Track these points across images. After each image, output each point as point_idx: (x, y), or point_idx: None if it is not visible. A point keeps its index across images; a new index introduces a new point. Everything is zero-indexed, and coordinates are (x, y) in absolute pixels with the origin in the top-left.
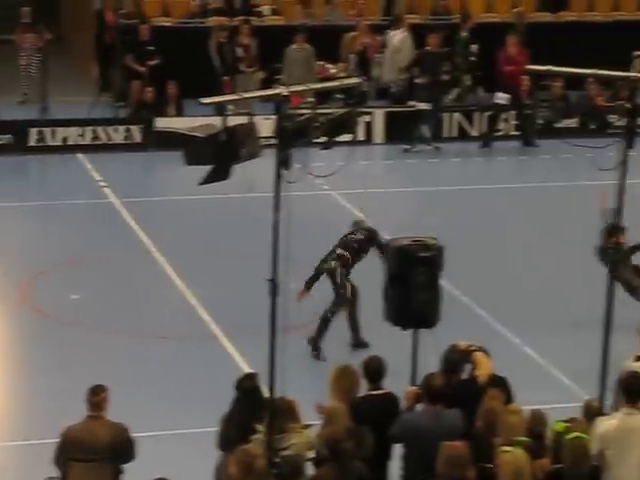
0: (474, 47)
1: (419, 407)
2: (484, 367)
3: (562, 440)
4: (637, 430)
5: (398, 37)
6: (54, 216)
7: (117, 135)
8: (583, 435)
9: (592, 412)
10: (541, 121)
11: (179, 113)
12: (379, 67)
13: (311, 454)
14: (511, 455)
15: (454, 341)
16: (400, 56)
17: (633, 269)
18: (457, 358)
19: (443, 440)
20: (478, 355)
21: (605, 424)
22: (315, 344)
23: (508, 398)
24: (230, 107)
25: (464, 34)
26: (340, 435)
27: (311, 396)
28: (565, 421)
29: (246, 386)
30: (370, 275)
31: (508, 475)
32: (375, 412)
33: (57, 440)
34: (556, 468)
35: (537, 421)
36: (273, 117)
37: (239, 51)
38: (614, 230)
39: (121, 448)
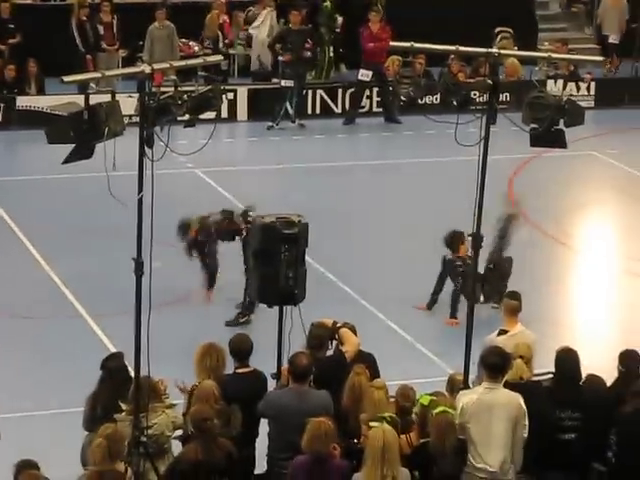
0: (339, 19)
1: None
2: (350, 343)
3: (428, 414)
4: (497, 405)
5: (261, 14)
6: None
7: None
8: (448, 409)
9: (456, 386)
10: (404, 97)
11: (40, 91)
12: (241, 45)
13: (176, 433)
14: (378, 430)
15: (320, 318)
16: (262, 34)
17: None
18: (322, 334)
19: (304, 419)
20: (344, 331)
21: (465, 398)
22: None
23: (375, 374)
24: (92, 85)
25: (327, 4)
26: (206, 412)
27: (177, 375)
28: (430, 394)
29: (111, 366)
30: (234, 252)
31: (375, 450)
32: (242, 390)
33: None
34: (422, 443)
35: (404, 397)
36: (136, 95)
37: (100, 29)
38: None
39: None
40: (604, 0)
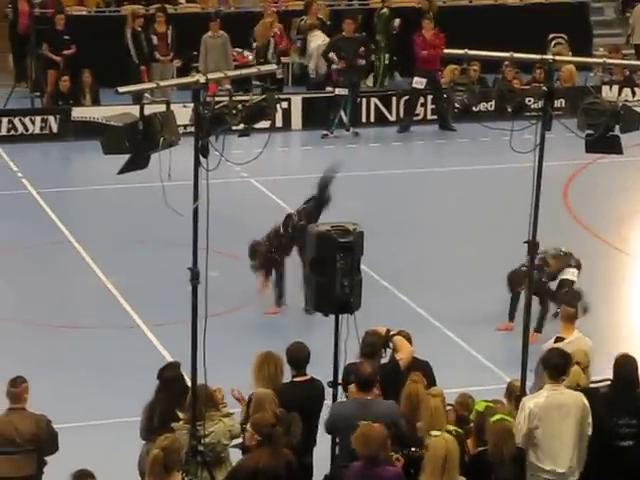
0: (397, 21)
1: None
2: (405, 350)
3: (485, 421)
4: (565, 405)
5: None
6: None
7: (34, 125)
8: (506, 417)
9: (514, 393)
10: (458, 105)
11: (95, 102)
12: (296, 53)
13: (234, 441)
14: (440, 440)
15: (375, 326)
16: (315, 42)
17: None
18: (375, 342)
19: None
20: (397, 338)
21: (532, 402)
22: None
23: (431, 381)
24: (147, 95)
25: (384, 11)
26: (271, 420)
27: (234, 384)
28: (487, 401)
29: (168, 375)
30: (292, 262)
31: (437, 459)
32: (299, 399)
33: None
34: (480, 451)
35: (463, 405)
36: (190, 105)
37: (154, 39)
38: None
39: (44, 440)
40: (636, 8)
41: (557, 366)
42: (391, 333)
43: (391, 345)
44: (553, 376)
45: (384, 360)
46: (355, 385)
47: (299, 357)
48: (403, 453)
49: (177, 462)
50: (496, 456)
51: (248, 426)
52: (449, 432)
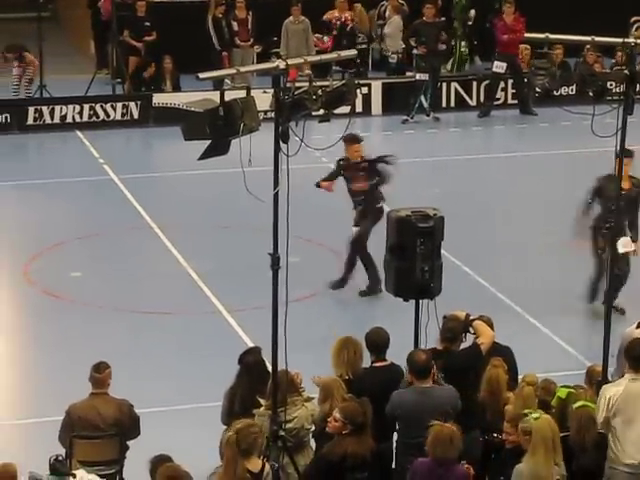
0: (472, 12)
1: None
2: (486, 335)
3: (566, 407)
4: None
5: (389, 10)
6: (54, 194)
7: (115, 112)
8: (588, 403)
9: (595, 377)
10: (539, 89)
11: (176, 88)
12: (376, 38)
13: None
14: (544, 420)
15: (455, 311)
16: (389, 29)
17: None
18: (455, 327)
19: (430, 417)
20: (478, 323)
21: (611, 391)
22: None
23: (512, 366)
24: (227, 81)
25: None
26: (358, 408)
27: (314, 369)
28: (569, 387)
29: (249, 360)
30: (372, 247)
31: (547, 440)
32: (379, 383)
33: (62, 418)
34: (562, 437)
35: (546, 390)
36: (271, 90)
37: (235, 25)
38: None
39: (126, 425)
40: None
41: (637, 358)
42: (471, 318)
43: (471, 330)
44: (634, 366)
45: (465, 344)
46: (411, 373)
47: (378, 342)
48: (484, 438)
49: (253, 445)
50: (578, 443)
51: (336, 414)
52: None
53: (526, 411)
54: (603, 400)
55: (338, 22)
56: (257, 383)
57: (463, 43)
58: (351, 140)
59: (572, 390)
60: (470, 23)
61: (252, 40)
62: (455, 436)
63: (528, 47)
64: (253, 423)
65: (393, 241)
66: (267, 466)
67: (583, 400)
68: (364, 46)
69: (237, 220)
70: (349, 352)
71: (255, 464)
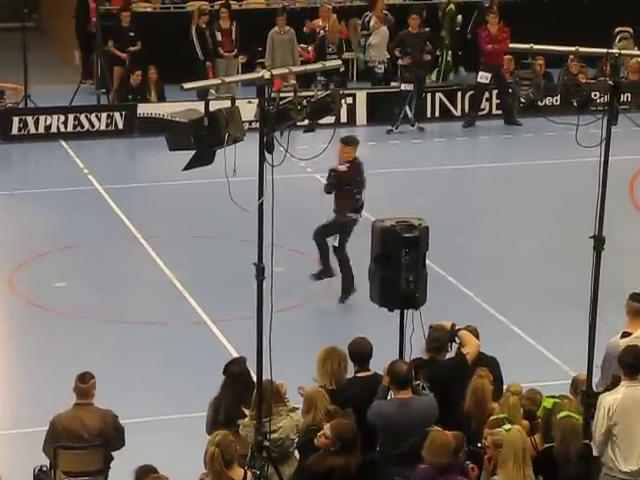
0: (459, 17)
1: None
2: (471, 345)
3: (552, 417)
4: None
5: (373, 20)
6: (39, 204)
7: (100, 122)
8: (572, 414)
9: (580, 387)
10: (523, 99)
11: (160, 99)
12: (361, 49)
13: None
14: (515, 431)
15: (441, 321)
16: (375, 39)
17: None
18: (441, 336)
19: (409, 428)
20: (463, 333)
21: (609, 399)
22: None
23: (497, 377)
24: (212, 92)
25: (451, 7)
26: (349, 426)
27: (299, 379)
28: (555, 397)
29: (233, 370)
30: (356, 256)
31: (517, 451)
32: (362, 394)
33: (46, 428)
34: (546, 447)
35: (531, 400)
36: (255, 101)
37: (219, 35)
38: None
39: (110, 435)
40: None
41: (632, 365)
42: (457, 327)
43: (457, 340)
44: (629, 374)
45: (451, 354)
46: (391, 384)
47: (361, 352)
48: (469, 448)
49: (234, 455)
50: (562, 453)
51: (327, 431)
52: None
53: (505, 426)
54: (602, 410)
55: (322, 31)
56: (242, 393)
57: (449, 53)
58: (344, 141)
59: (558, 400)
60: (458, 29)
61: (236, 50)
62: (449, 442)
63: (511, 57)
64: (228, 433)
65: (378, 251)
66: (249, 474)
67: (567, 410)
68: (334, 56)
69: (222, 230)
70: (333, 362)
71: (238, 473)
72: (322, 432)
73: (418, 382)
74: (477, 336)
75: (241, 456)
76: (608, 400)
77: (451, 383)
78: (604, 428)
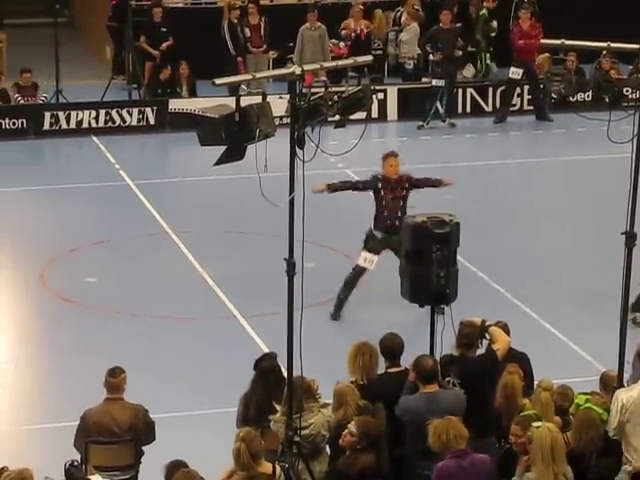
0: (494, 23)
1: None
2: (501, 341)
3: None
4: None
5: (404, 16)
6: (70, 200)
7: (131, 117)
8: (594, 407)
9: (609, 383)
10: (555, 95)
11: (192, 94)
12: (392, 44)
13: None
14: (544, 429)
15: (472, 317)
16: (406, 35)
17: None
18: (471, 333)
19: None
20: (493, 329)
21: (625, 395)
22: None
23: (528, 373)
24: (243, 87)
25: (484, 12)
26: (375, 423)
27: (330, 375)
28: (586, 394)
29: (264, 366)
30: (387, 253)
31: (545, 449)
32: (393, 389)
33: (77, 423)
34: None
35: (563, 396)
36: (286, 96)
37: (247, 31)
38: None
39: (141, 430)
40: None
41: None
42: (487, 324)
43: (487, 336)
44: None
45: (480, 351)
46: (417, 379)
47: (393, 348)
48: (500, 444)
49: (260, 450)
50: (577, 444)
51: (352, 427)
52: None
53: (535, 423)
54: (616, 405)
55: (353, 34)
56: (273, 389)
57: (487, 55)
58: (386, 154)
59: (589, 397)
60: (493, 35)
61: (265, 46)
62: (455, 426)
63: (549, 56)
64: (251, 429)
65: (409, 247)
66: (278, 468)
67: (592, 404)
68: (379, 52)
69: (253, 226)
70: (364, 358)
71: (266, 467)
72: (347, 430)
73: (448, 379)
74: (508, 332)
75: (271, 451)
76: (623, 396)
77: (481, 379)
78: (615, 424)
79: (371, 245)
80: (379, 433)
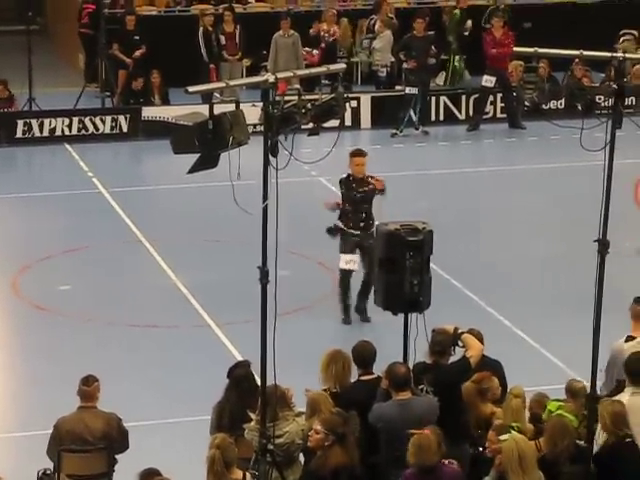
0: (469, 23)
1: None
2: (475, 348)
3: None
4: None
5: (378, 24)
6: (43, 207)
7: (104, 125)
8: (565, 414)
9: (578, 393)
10: (528, 103)
11: (165, 102)
12: (366, 52)
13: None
14: (511, 442)
15: (445, 324)
16: (379, 43)
17: None
18: (444, 340)
19: (411, 428)
20: (466, 336)
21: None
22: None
23: (502, 381)
24: (216, 95)
25: (456, 12)
26: (338, 418)
27: (304, 383)
28: (559, 400)
29: (238, 374)
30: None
31: (513, 462)
32: (365, 397)
33: (49, 431)
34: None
35: (539, 404)
36: (260, 104)
37: (223, 39)
38: None
39: (114, 438)
40: None
41: (637, 372)
42: (460, 331)
43: (460, 343)
44: (634, 381)
45: (453, 358)
46: (390, 386)
47: (365, 355)
48: (473, 453)
49: (234, 458)
50: (551, 452)
51: (316, 426)
52: (512, 428)
53: (502, 437)
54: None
55: (326, 35)
56: (246, 397)
57: (457, 57)
58: (354, 153)
59: (562, 404)
60: (467, 34)
61: (240, 54)
62: (432, 442)
63: (522, 64)
64: (227, 436)
65: (382, 255)
66: (248, 475)
67: (562, 411)
68: (344, 60)
69: (226, 234)
70: (337, 365)
71: (237, 474)
72: (312, 430)
73: (422, 386)
74: (481, 340)
75: (244, 459)
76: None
77: (455, 387)
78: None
79: (345, 246)
80: (343, 428)
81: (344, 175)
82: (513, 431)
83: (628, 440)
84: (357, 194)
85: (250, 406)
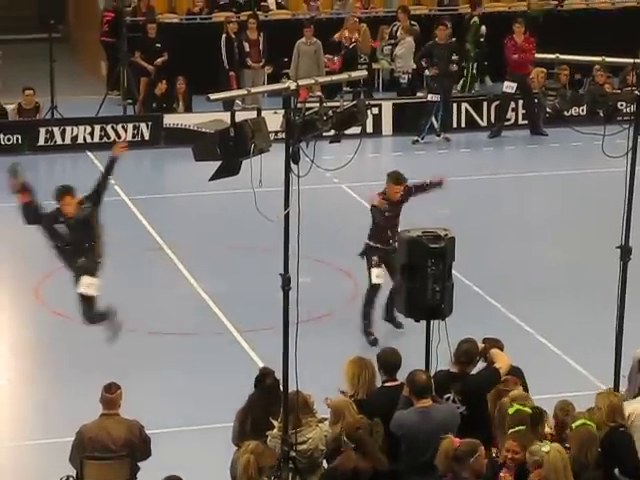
0: (483, 28)
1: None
2: (504, 361)
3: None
4: None
5: (400, 30)
6: None
7: (126, 133)
8: (588, 422)
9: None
10: (549, 109)
11: (188, 109)
12: (387, 59)
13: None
14: (555, 452)
15: (467, 331)
16: (401, 50)
17: None
18: (472, 348)
19: (431, 437)
20: (495, 352)
21: (630, 408)
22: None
23: (523, 388)
24: (238, 102)
25: (475, 20)
26: (353, 425)
27: (325, 390)
28: (585, 418)
29: (270, 384)
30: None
31: (559, 474)
32: (391, 404)
33: (72, 439)
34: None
35: (563, 411)
36: (281, 111)
37: (246, 46)
38: None
39: (136, 446)
40: None
41: None
42: (485, 346)
43: (488, 357)
44: None
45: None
46: (411, 394)
47: (391, 362)
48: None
49: (266, 465)
50: (581, 461)
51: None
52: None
53: (544, 448)
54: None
55: (348, 42)
56: (269, 404)
57: (475, 65)
58: (394, 179)
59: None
60: (482, 40)
61: (263, 61)
62: (454, 450)
63: (544, 70)
64: (260, 443)
65: (404, 261)
66: None
67: (583, 419)
68: (364, 66)
69: (248, 241)
70: (368, 373)
71: None
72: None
73: (448, 395)
74: (501, 347)
75: (268, 467)
76: (628, 409)
77: (483, 397)
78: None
79: (375, 261)
80: (358, 434)
81: (375, 201)
82: (546, 441)
83: (622, 429)
84: (390, 213)
85: (273, 414)
